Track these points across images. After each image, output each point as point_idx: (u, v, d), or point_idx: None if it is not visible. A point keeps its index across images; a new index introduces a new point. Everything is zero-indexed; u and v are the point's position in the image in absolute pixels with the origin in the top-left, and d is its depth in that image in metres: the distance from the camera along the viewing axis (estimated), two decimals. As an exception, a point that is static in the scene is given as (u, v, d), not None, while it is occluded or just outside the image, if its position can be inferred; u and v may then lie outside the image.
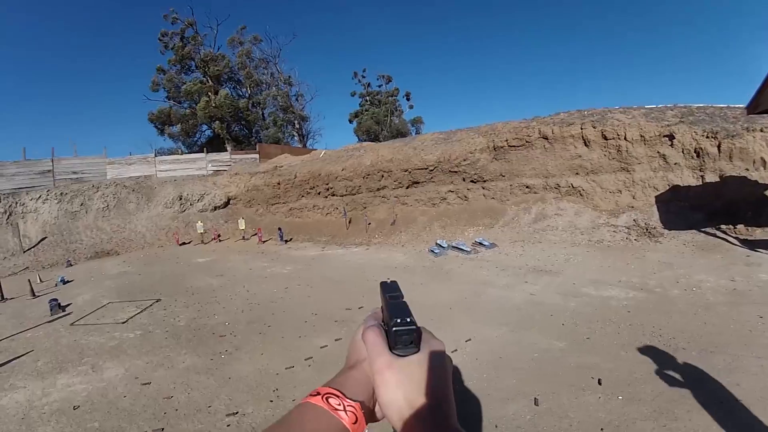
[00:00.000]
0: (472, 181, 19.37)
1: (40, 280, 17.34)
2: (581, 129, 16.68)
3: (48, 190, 27.12)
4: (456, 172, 19.54)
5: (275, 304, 9.89)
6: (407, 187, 20.07)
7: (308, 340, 7.46)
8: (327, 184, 22.02)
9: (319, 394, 0.72)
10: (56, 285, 15.56)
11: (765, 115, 12.09)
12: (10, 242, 23.92)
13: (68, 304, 11.73)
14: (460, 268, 12.21)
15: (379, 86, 55.28)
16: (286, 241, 20.25)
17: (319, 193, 22.61)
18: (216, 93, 42.64)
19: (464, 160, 19.48)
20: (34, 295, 13.59)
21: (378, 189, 20.45)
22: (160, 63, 44.57)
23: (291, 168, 25.04)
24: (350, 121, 55.41)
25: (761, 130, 13.73)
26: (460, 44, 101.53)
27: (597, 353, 5.96)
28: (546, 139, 17.38)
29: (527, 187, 17.65)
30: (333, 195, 21.84)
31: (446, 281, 10.90)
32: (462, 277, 11.16)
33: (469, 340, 6.81)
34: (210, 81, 43.68)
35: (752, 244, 11.25)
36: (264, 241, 21.18)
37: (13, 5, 77.53)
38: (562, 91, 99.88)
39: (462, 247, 14.31)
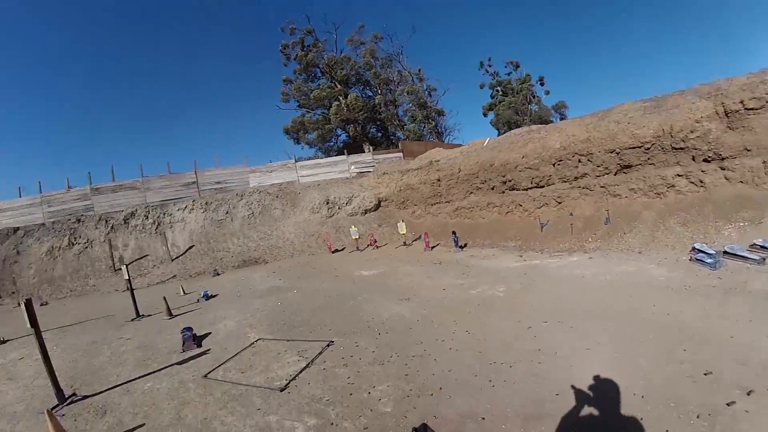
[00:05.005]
0: (705, 160, 14.41)
1: (184, 292, 16.16)
2: None
3: (193, 201, 27.53)
4: (682, 149, 14.65)
5: (549, 370, 5.71)
6: (616, 173, 15.57)
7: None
8: (503, 177, 18.20)
9: None
10: (198, 301, 14.12)
11: None
12: (159, 251, 24.16)
13: (205, 336, 9.57)
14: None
15: (508, 74, 50.63)
16: (461, 246, 16.92)
17: (493, 188, 18.86)
18: (346, 96, 41.28)
19: (691, 132, 14.53)
20: (170, 315, 12.24)
21: (575, 178, 16.17)
22: (286, 74, 44.57)
23: (451, 161, 21.62)
24: (485, 114, 51.50)
25: None
26: (588, 16, 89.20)
27: None
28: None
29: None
30: (513, 189, 17.96)
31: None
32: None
33: None
34: (338, 85, 42.47)
35: None
36: (432, 247, 18.05)
37: (158, 37, 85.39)
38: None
39: (743, 254, 9.70)
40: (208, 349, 8.57)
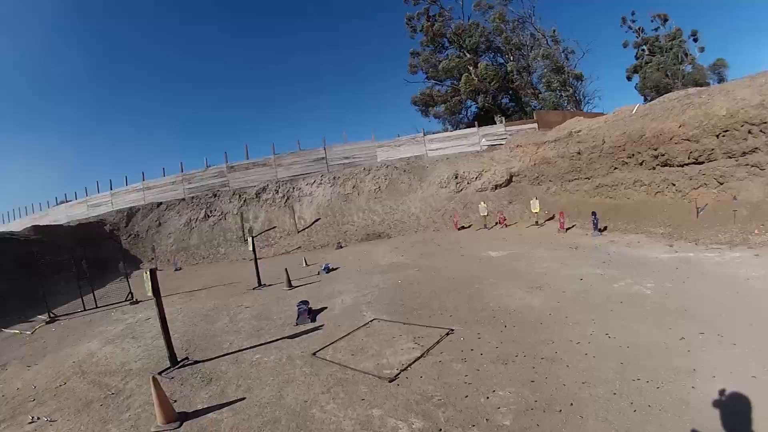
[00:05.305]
0: None
1: (306, 264, 16.49)
2: None
3: (322, 175, 28.35)
4: None
5: (703, 398, 4.23)
6: (798, 150, 12.44)
7: None
8: (655, 150, 15.44)
9: None
10: (318, 273, 14.17)
11: None
12: (287, 223, 25.37)
13: (321, 310, 9.35)
14: None
15: (655, 29, 43.93)
16: (601, 230, 14.99)
17: (641, 163, 16.19)
18: (476, 65, 39.11)
19: None
20: (290, 286, 12.37)
21: (743, 153, 12.89)
22: (412, 47, 43.48)
23: (593, 132, 19.14)
24: (628, 79, 45.92)
25: None
26: None
27: None
28: None
29: None
30: (666, 165, 15.16)
31: None
32: None
33: None
34: (467, 54, 40.27)
35: None
36: (567, 229, 16.24)
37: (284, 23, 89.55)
38: None
39: None
40: (322, 325, 8.35)
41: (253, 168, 30.00)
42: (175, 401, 5.63)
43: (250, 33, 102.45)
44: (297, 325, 8.54)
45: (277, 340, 7.76)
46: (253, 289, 13.00)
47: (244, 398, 5.51)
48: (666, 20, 43.44)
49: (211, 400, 5.59)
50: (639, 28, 45.21)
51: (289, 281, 12.43)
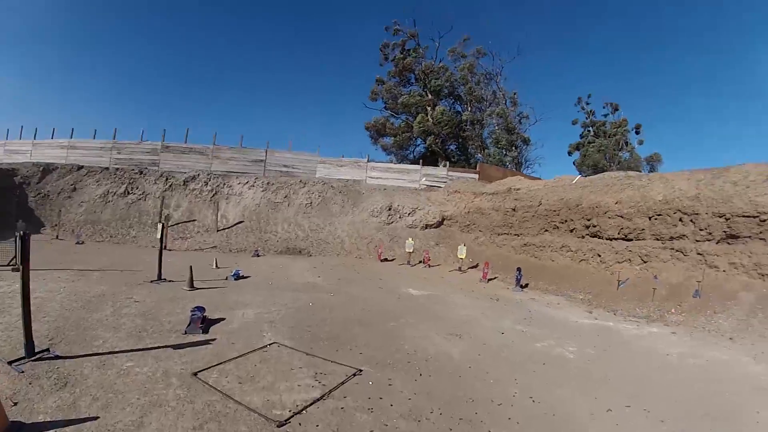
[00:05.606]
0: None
1: (216, 266, 15.45)
2: None
3: (256, 178, 27.28)
4: (807, 230, 12.25)
5: None
6: (718, 242, 13.22)
7: None
8: (588, 220, 16.09)
9: None
10: (227, 278, 13.19)
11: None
12: (208, 219, 24.07)
13: (217, 321, 8.33)
14: None
15: (605, 116, 47.33)
16: (523, 286, 15.03)
17: (571, 231, 16.77)
18: (434, 107, 40.09)
19: (824, 211, 12.11)
20: (191, 286, 11.25)
21: (671, 238, 13.80)
22: (379, 74, 44.09)
23: (532, 193, 19.67)
24: (569, 153, 48.70)
25: None
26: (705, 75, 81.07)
27: None
28: None
29: None
30: (595, 236, 15.78)
31: None
32: None
33: None
34: (429, 95, 41.31)
35: None
36: (489, 279, 16.28)
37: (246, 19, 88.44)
38: None
39: None
40: (214, 339, 7.32)
41: (189, 153, 28.44)
42: (15, 404, 4.57)
43: (209, 20, 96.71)
44: (186, 333, 7.49)
45: (159, 347, 6.69)
46: (151, 282, 11.72)
47: (97, 417, 4.44)
48: (616, 109, 46.76)
49: (56, 413, 4.50)
50: (590, 111, 48.16)
51: (191, 281, 11.30)
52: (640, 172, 38.41)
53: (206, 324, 7.93)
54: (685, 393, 6.06)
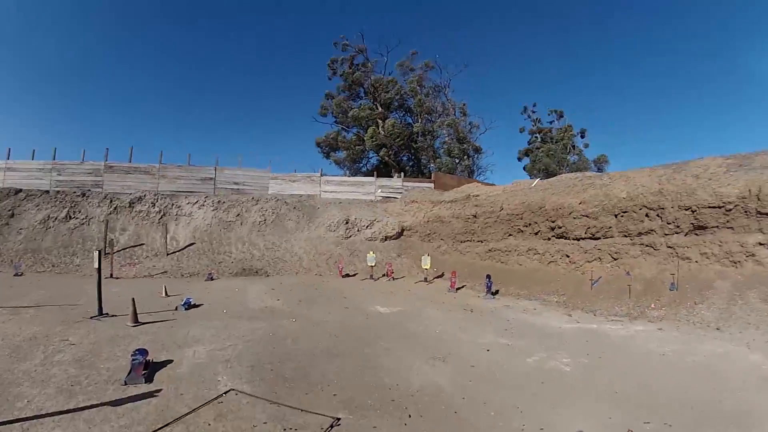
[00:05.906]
0: (792, 231, 12.18)
1: (166, 293, 13.96)
2: None
3: (206, 197, 25.85)
4: (768, 214, 12.53)
5: None
6: (687, 234, 13.29)
7: None
8: (552, 222, 15.93)
9: None
10: (176, 309, 11.75)
11: None
12: (157, 242, 22.42)
13: (164, 364, 7.04)
14: None
15: (550, 122, 49.45)
16: (494, 293, 14.53)
17: (536, 233, 16.55)
18: (385, 120, 39.95)
19: (783, 197, 12.37)
20: (136, 321, 9.82)
21: (640, 234, 13.86)
22: (329, 89, 43.94)
23: (492, 198, 19.41)
24: (519, 159, 50.18)
25: None
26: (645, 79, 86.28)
27: None
28: None
29: None
30: (561, 237, 15.61)
31: None
32: None
33: None
34: (379, 108, 41.21)
35: None
36: (457, 289, 15.76)
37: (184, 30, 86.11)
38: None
39: None
40: (159, 390, 5.97)
41: (133, 173, 26.53)
42: None
43: (152, 36, 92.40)
44: (126, 384, 6.19)
45: (93, 406, 5.41)
46: (91, 318, 10.20)
47: None
48: (561, 116, 48.80)
49: None
50: (537, 119, 50.04)
51: (135, 315, 9.85)
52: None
53: (150, 370, 6.63)
54: (697, 396, 5.61)
